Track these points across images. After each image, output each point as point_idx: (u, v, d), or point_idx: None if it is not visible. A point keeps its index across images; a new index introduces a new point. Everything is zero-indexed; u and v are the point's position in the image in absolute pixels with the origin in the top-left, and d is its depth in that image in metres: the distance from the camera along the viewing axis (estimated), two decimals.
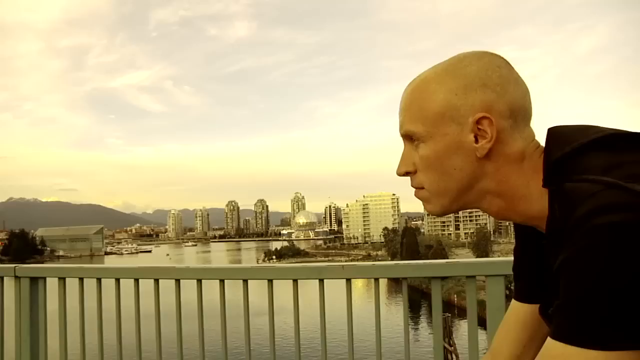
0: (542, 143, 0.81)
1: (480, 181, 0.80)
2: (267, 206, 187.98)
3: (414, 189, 0.87)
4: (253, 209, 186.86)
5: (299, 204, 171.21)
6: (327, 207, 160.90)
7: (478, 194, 0.82)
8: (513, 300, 0.98)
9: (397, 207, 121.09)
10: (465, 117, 0.78)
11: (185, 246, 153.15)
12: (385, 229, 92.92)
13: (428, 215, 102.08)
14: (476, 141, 0.78)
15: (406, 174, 0.86)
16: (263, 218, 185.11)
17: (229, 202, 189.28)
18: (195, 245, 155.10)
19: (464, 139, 0.79)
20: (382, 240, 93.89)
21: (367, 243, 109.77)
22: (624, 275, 0.61)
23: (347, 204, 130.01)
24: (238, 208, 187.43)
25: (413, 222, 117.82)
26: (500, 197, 0.81)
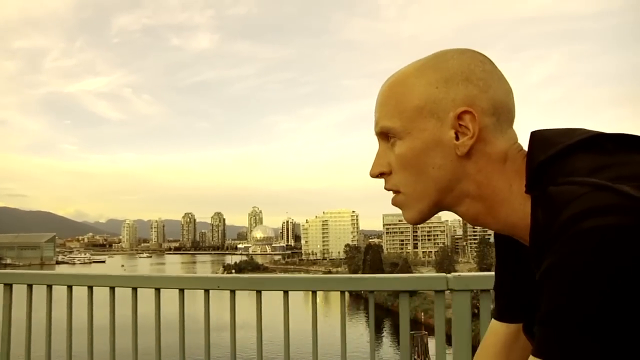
0: (525, 147, 0.76)
1: (460, 182, 0.75)
2: (224, 219, 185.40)
3: (391, 197, 0.81)
4: (210, 221, 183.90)
5: (256, 218, 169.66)
6: (284, 223, 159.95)
7: (457, 196, 0.76)
8: (493, 321, 0.93)
9: (357, 224, 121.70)
10: (445, 111, 0.73)
11: (140, 257, 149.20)
12: (347, 245, 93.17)
13: (387, 233, 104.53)
14: (457, 138, 0.73)
15: (380, 175, 0.80)
16: (220, 231, 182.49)
17: (185, 214, 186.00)
18: (150, 256, 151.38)
19: (444, 135, 0.73)
20: (343, 256, 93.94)
21: (325, 259, 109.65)
22: (609, 283, 0.56)
23: (306, 220, 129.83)
24: (194, 220, 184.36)
25: (370, 240, 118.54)
26: (480, 201, 0.75)
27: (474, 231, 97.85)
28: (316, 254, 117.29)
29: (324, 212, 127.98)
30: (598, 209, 0.59)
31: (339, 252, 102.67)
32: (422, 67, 0.77)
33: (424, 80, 0.75)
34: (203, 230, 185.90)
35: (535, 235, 0.68)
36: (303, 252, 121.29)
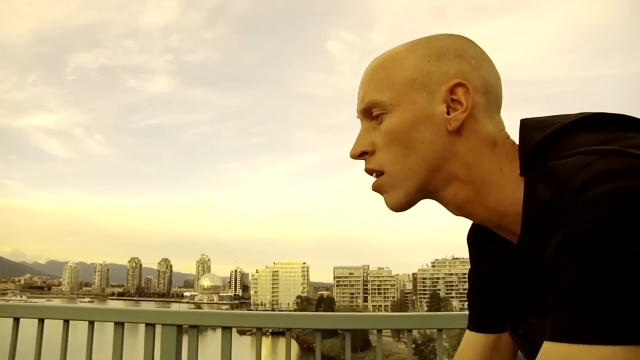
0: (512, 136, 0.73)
1: (449, 162, 0.70)
2: (171, 266, 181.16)
3: (372, 180, 0.75)
4: (156, 267, 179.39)
5: (204, 266, 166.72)
6: (232, 272, 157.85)
7: (445, 178, 0.70)
8: (467, 332, 0.87)
9: (307, 276, 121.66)
10: (437, 84, 0.69)
11: (81, 302, 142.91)
12: (299, 297, 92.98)
13: (337, 285, 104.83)
14: (447, 113, 0.69)
15: (362, 154, 0.75)
16: (166, 278, 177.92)
17: (131, 258, 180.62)
18: (92, 301, 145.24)
19: (435, 109, 0.69)
20: (294, 308, 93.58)
21: (274, 310, 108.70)
22: (636, 248, 0.49)
23: (256, 270, 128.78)
24: (140, 265, 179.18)
25: (320, 292, 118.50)
26: (469, 184, 0.70)
27: (424, 286, 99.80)
28: (265, 305, 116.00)
29: (274, 263, 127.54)
30: (611, 173, 0.54)
31: (288, 304, 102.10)
32: (413, 44, 0.74)
33: (416, 54, 0.72)
34: (149, 277, 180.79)
35: (536, 213, 0.62)
36: (252, 302, 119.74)
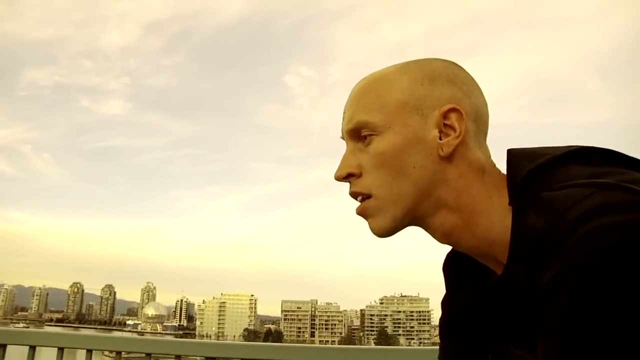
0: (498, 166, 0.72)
1: (438, 188, 0.67)
2: (114, 292, 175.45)
3: (357, 204, 0.72)
4: (99, 293, 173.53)
5: (149, 294, 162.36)
6: (178, 301, 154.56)
7: (434, 204, 0.68)
8: None
9: (255, 308, 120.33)
10: (430, 108, 0.68)
11: (15, 327, 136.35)
12: (246, 329, 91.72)
13: (285, 319, 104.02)
14: (440, 138, 0.67)
15: (348, 176, 0.71)
16: (109, 305, 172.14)
17: (73, 283, 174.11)
18: (28, 327, 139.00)
19: (428, 133, 0.67)
20: (242, 340, 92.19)
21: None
22: (634, 282, 0.48)
23: (203, 300, 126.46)
24: (83, 291, 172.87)
25: (266, 326, 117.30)
26: (457, 211, 0.68)
27: (372, 322, 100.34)
28: (210, 336, 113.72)
29: (222, 294, 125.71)
30: (609, 206, 0.53)
31: (234, 336, 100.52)
32: (404, 66, 0.72)
33: (408, 76, 0.70)
34: (91, 303, 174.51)
35: (527, 242, 0.60)
36: (197, 334, 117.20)
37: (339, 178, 0.73)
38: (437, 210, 0.69)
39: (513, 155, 0.69)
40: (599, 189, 0.56)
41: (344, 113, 0.74)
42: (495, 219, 0.67)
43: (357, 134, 0.71)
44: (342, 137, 0.75)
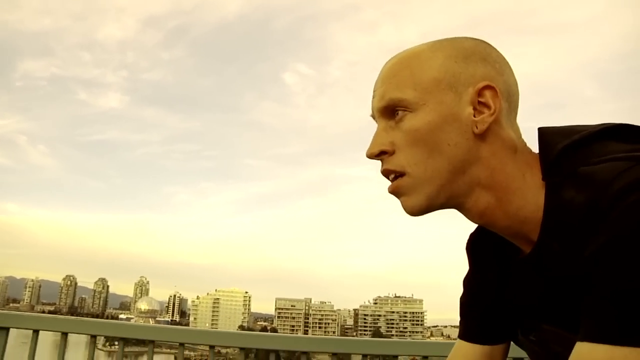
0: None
1: (472, 166, 0.67)
2: (108, 286, 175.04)
3: (389, 183, 0.72)
4: (92, 287, 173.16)
5: (142, 288, 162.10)
6: (171, 296, 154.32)
7: (467, 183, 0.68)
8: (460, 342, 0.84)
9: (249, 305, 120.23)
10: (465, 85, 0.67)
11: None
12: (241, 326, 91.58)
13: (279, 317, 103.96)
14: (474, 116, 0.67)
15: (380, 154, 0.71)
16: (101, 298, 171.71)
17: (66, 276, 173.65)
18: None
19: (462, 110, 0.67)
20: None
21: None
22: None
23: (197, 296, 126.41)
24: (76, 284, 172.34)
25: (259, 323, 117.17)
26: (491, 190, 0.68)
27: (365, 322, 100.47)
28: None
29: (215, 290, 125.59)
30: None
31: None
32: (437, 44, 0.72)
33: (442, 54, 0.69)
34: (83, 296, 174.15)
35: (566, 217, 0.61)
36: None
37: (371, 156, 0.72)
38: (470, 189, 0.69)
39: (545, 133, 0.69)
40: (638, 162, 0.57)
41: (374, 91, 0.73)
42: (528, 197, 0.67)
43: (389, 111, 0.71)
44: (372, 116, 0.75)
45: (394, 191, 0.71)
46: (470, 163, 0.68)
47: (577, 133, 0.66)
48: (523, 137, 0.72)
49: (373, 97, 0.73)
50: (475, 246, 0.86)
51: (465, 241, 0.88)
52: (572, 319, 0.58)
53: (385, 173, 0.72)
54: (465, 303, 0.87)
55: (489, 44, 0.73)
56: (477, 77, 0.68)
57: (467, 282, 0.87)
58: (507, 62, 0.73)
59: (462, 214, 0.72)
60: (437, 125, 0.67)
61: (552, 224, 0.64)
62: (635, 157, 0.58)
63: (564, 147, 0.65)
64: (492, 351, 0.82)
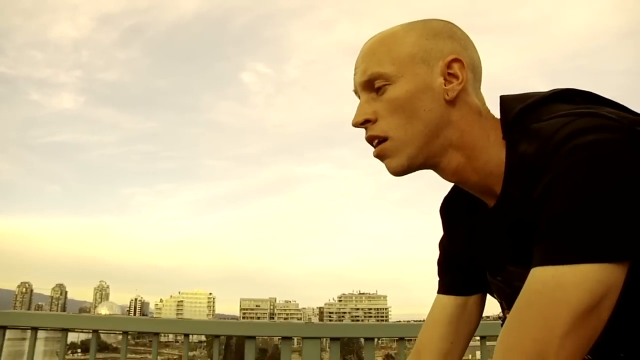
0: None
1: (445, 128, 0.77)
2: (66, 292, 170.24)
3: (373, 148, 0.81)
4: (50, 293, 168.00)
5: (102, 293, 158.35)
6: (132, 300, 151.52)
7: (442, 144, 0.78)
8: (438, 296, 0.95)
9: (213, 307, 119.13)
10: (435, 59, 0.77)
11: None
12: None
13: (244, 317, 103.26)
14: (444, 85, 0.77)
15: (365, 122, 0.80)
16: (60, 305, 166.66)
17: (21, 283, 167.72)
18: None
19: (434, 81, 0.77)
20: (202, 339, 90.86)
21: (178, 342, 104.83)
22: (615, 186, 0.60)
23: (160, 299, 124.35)
24: (31, 291, 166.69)
25: None
26: (461, 149, 0.78)
27: (330, 320, 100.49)
28: (168, 335, 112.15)
29: (179, 292, 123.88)
30: (590, 128, 0.63)
31: (198, 336, 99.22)
32: (409, 25, 0.81)
33: (415, 32, 0.79)
34: (40, 303, 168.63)
35: (521, 166, 0.71)
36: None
37: (356, 124, 0.81)
38: (444, 150, 0.78)
39: (505, 99, 0.79)
40: (579, 117, 0.66)
41: (355, 68, 0.82)
42: (492, 154, 0.76)
43: (370, 85, 0.79)
44: (354, 91, 0.83)
45: (378, 154, 0.80)
46: (443, 126, 0.77)
47: (531, 97, 0.76)
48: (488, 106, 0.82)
49: (355, 74, 0.82)
50: (447, 209, 0.96)
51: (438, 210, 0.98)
52: (531, 258, 0.64)
53: (370, 139, 0.80)
54: (441, 262, 0.97)
55: (454, 24, 0.83)
56: (445, 52, 0.77)
57: (442, 244, 0.97)
58: (471, 40, 0.83)
59: (438, 173, 0.82)
60: (414, 94, 0.76)
61: (511, 176, 0.73)
62: (576, 113, 0.67)
63: (520, 109, 0.75)
64: (466, 301, 0.92)
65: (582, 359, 0.60)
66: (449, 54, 0.77)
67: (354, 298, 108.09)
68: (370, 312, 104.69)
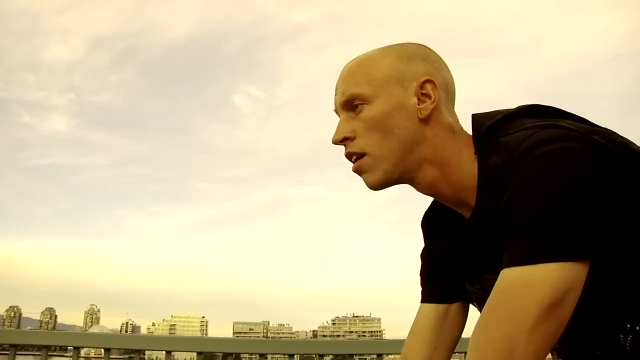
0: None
1: (419, 145, 0.82)
2: (55, 316, 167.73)
3: (352, 163, 0.86)
4: (39, 317, 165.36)
5: (92, 317, 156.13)
6: (123, 324, 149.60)
7: (417, 160, 0.82)
8: (421, 305, 0.98)
9: (206, 330, 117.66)
10: (409, 80, 0.82)
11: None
12: (202, 352, 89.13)
13: None
14: (418, 104, 0.81)
15: (344, 140, 0.85)
16: (49, 329, 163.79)
17: (10, 307, 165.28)
18: None
19: (408, 100, 0.81)
20: None
21: None
22: (574, 190, 0.64)
23: (152, 323, 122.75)
24: (20, 315, 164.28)
25: None
26: (435, 164, 0.82)
27: None
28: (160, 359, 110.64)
29: (172, 316, 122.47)
30: (552, 138, 0.68)
31: (186, 359, 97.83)
32: (385, 49, 0.87)
33: (390, 56, 0.84)
34: (29, 327, 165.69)
35: (491, 178, 0.75)
36: (147, 358, 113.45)
37: (336, 142, 0.86)
38: (419, 165, 0.83)
39: (476, 117, 0.84)
40: (542, 128, 0.71)
41: (336, 89, 0.88)
42: (465, 169, 0.81)
43: (349, 105, 0.84)
44: (335, 111, 0.89)
45: (357, 169, 0.85)
46: (417, 143, 0.82)
47: (500, 114, 0.81)
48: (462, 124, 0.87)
49: (335, 94, 0.88)
50: (427, 222, 1.00)
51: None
52: None
53: (349, 156, 0.85)
54: (423, 273, 1.00)
55: (428, 48, 0.88)
56: (419, 74, 0.82)
57: (423, 255, 1.01)
58: (444, 62, 0.88)
59: (414, 187, 0.86)
60: (389, 113, 0.81)
61: (483, 188, 0.78)
62: (539, 125, 0.72)
63: (489, 125, 0.79)
64: (448, 309, 0.95)
65: (550, 352, 0.65)
66: (422, 76, 0.82)
67: (347, 321, 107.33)
68: (364, 335, 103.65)
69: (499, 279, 0.66)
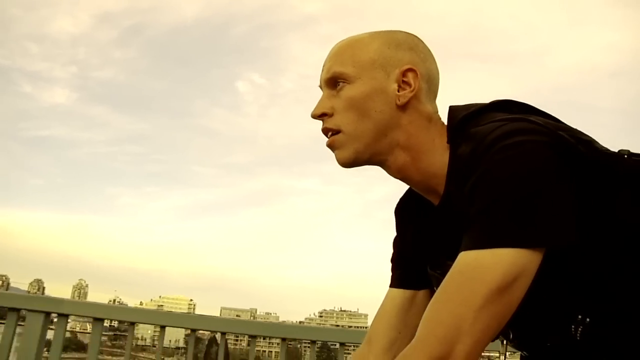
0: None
1: (393, 130, 0.84)
2: (43, 288, 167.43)
3: (327, 138, 0.88)
4: (27, 288, 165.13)
5: (80, 291, 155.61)
6: (111, 301, 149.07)
7: (388, 144, 0.85)
8: (389, 289, 1.01)
9: (194, 313, 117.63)
10: (393, 67, 0.84)
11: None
12: (188, 334, 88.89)
13: None
14: (398, 91, 0.83)
15: (322, 115, 0.87)
16: None
17: None
18: None
19: (389, 86, 0.84)
20: (182, 345, 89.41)
21: (155, 346, 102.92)
22: (534, 180, 0.67)
23: (140, 302, 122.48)
24: (8, 284, 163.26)
25: (200, 331, 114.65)
26: (407, 150, 0.85)
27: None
28: (146, 340, 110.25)
29: (160, 296, 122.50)
30: (518, 131, 0.71)
31: (171, 340, 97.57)
32: (375, 33, 0.89)
33: (378, 41, 0.87)
34: None
35: (459, 167, 0.78)
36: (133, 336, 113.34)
37: (314, 116, 0.88)
38: (391, 149, 0.85)
39: (452, 108, 0.86)
40: (510, 122, 0.74)
41: (323, 66, 0.90)
42: (436, 157, 0.83)
43: (332, 82, 0.87)
44: (320, 86, 0.91)
45: (330, 145, 0.88)
46: (391, 128, 0.84)
47: (474, 107, 0.84)
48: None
49: (322, 71, 0.90)
50: (400, 209, 1.03)
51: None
52: None
53: (325, 131, 0.88)
54: (394, 259, 1.03)
55: (418, 38, 0.90)
56: (403, 62, 0.85)
57: (394, 243, 1.04)
58: (431, 54, 0.90)
59: (384, 170, 0.89)
60: (368, 95, 0.84)
61: (451, 176, 0.80)
62: (508, 118, 0.75)
63: (463, 116, 0.82)
64: (415, 295, 0.97)
65: (497, 336, 0.70)
66: (406, 64, 0.84)
67: (335, 314, 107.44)
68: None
69: (455, 261, 0.69)
